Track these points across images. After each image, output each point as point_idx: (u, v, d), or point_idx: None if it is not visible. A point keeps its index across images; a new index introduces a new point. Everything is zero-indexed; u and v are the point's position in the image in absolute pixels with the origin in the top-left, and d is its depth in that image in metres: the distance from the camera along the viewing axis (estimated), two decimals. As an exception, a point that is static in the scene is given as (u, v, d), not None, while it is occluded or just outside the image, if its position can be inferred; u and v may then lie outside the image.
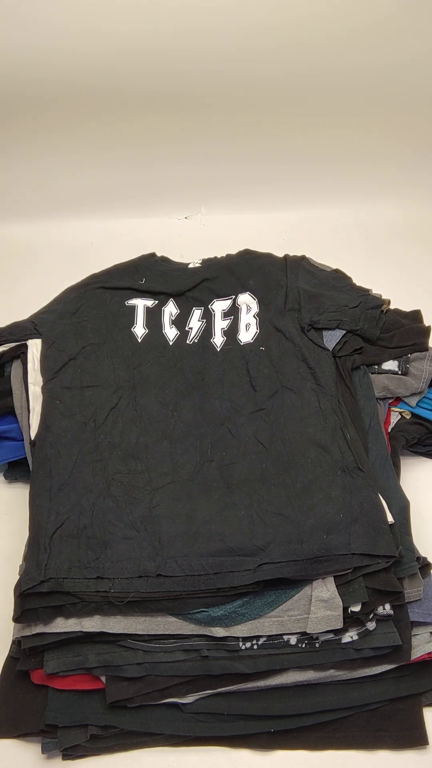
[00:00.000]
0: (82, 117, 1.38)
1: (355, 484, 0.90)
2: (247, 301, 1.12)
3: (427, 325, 1.13)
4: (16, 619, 0.83)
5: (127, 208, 1.50)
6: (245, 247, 1.22)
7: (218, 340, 1.09)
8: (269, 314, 1.10)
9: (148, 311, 1.12)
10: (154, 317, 1.12)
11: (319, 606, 0.82)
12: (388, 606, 0.84)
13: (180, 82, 1.33)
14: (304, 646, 0.83)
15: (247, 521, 0.88)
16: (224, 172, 1.48)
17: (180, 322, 1.12)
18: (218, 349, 1.08)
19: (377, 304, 1.11)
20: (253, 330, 1.09)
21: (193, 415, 1.01)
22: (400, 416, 1.07)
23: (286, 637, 0.83)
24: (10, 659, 0.88)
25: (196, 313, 1.12)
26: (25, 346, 1.06)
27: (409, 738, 0.83)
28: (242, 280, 1.14)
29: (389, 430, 1.06)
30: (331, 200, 1.50)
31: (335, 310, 1.09)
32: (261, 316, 1.10)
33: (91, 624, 0.83)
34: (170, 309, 1.12)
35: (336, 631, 0.83)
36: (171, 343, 1.09)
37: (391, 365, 1.09)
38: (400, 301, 1.17)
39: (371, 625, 0.83)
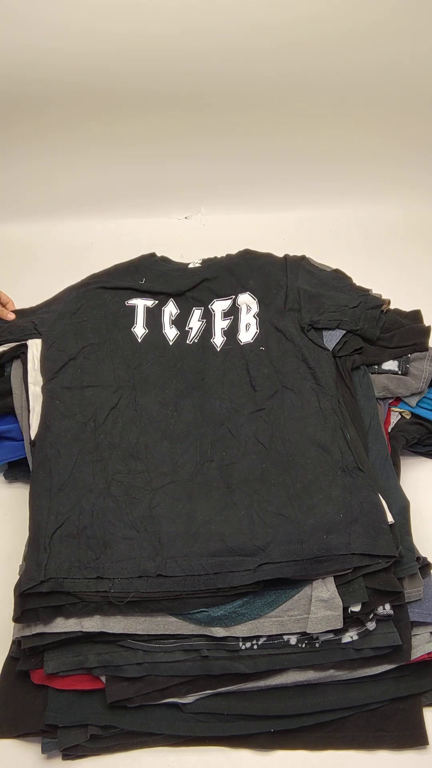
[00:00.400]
0: (82, 117, 1.38)
1: (355, 484, 0.90)
2: (247, 301, 1.12)
3: (427, 325, 1.13)
4: (16, 619, 0.83)
5: (127, 208, 1.50)
6: (245, 247, 1.22)
7: (218, 340, 1.09)
8: (269, 314, 1.10)
9: (148, 311, 1.12)
10: (154, 317, 1.12)
11: (319, 606, 0.82)
12: (388, 606, 0.84)
13: (180, 82, 1.33)
14: (304, 646, 0.83)
15: (247, 521, 0.88)
16: (224, 172, 1.48)
17: (180, 322, 1.12)
18: (218, 349, 1.08)
19: (377, 304, 1.11)
20: (253, 330, 1.09)
21: (193, 415, 1.01)
22: (400, 416, 1.07)
23: (286, 637, 0.83)
24: (10, 659, 0.88)
25: (196, 313, 1.12)
26: (25, 346, 1.06)
27: (409, 738, 0.83)
28: (242, 280, 1.14)
29: (389, 430, 1.06)
30: (331, 200, 1.50)
31: (335, 310, 1.09)
32: (261, 316, 1.10)
33: (91, 624, 0.83)
34: (170, 309, 1.12)
35: (336, 631, 0.83)
36: (171, 343, 1.09)
37: (391, 365, 1.09)
38: (400, 301, 1.17)
39: (371, 625, 0.83)
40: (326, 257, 1.22)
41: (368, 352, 1.09)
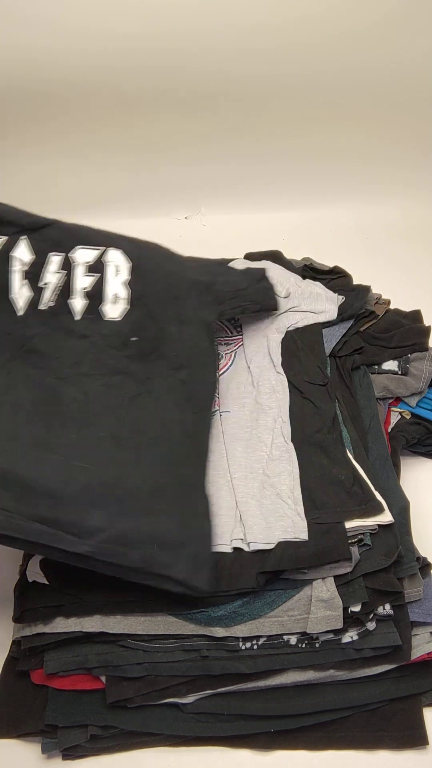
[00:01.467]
0: (83, 118, 1.38)
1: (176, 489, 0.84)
2: (117, 260, 0.94)
3: (427, 325, 1.13)
4: (16, 619, 0.83)
5: (127, 208, 1.50)
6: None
7: (78, 303, 0.91)
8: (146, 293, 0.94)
9: None
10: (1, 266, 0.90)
11: (319, 606, 0.82)
12: (388, 606, 0.83)
13: (180, 82, 1.33)
14: (304, 646, 0.83)
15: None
16: (224, 172, 1.48)
17: (33, 275, 0.91)
18: (77, 318, 0.91)
19: (261, 275, 1.08)
20: (122, 305, 0.93)
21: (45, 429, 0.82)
22: (400, 416, 1.07)
23: (286, 637, 0.83)
24: (10, 659, 0.88)
25: (54, 261, 0.92)
26: None
27: (409, 738, 0.83)
28: (113, 237, 0.97)
29: (389, 430, 1.06)
30: (331, 200, 1.51)
31: (233, 297, 1.02)
32: (134, 288, 0.93)
33: (91, 624, 0.83)
34: (22, 253, 0.92)
35: (336, 631, 0.83)
36: (20, 313, 0.90)
37: (391, 365, 1.09)
38: (400, 301, 1.18)
39: (371, 625, 0.83)
40: (326, 257, 1.22)
41: (368, 352, 1.09)
